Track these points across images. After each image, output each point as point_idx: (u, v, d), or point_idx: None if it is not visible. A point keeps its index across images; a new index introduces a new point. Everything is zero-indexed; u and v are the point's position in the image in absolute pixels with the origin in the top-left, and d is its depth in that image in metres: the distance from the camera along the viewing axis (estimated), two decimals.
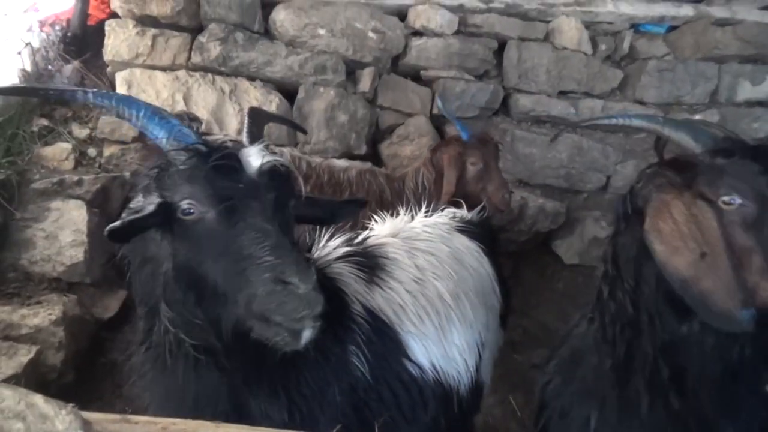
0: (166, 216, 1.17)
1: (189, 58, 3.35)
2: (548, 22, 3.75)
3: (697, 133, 1.34)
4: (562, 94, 3.82)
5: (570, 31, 3.70)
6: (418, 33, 3.63)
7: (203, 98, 3.31)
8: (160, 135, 1.24)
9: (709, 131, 1.35)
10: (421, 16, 3.54)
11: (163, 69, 3.34)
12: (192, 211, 1.16)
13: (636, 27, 3.89)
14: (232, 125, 3.34)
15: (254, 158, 1.21)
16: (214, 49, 3.32)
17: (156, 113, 1.25)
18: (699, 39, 3.76)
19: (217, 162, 1.17)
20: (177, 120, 1.26)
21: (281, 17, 3.43)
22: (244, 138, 1.45)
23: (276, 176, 1.22)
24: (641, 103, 3.83)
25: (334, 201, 1.58)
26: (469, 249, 1.89)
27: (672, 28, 3.90)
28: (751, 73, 3.85)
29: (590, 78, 3.77)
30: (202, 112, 3.27)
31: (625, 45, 3.82)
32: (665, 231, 1.25)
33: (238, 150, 1.22)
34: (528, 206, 3.57)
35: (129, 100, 1.27)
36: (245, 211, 1.16)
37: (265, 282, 1.10)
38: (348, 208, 1.48)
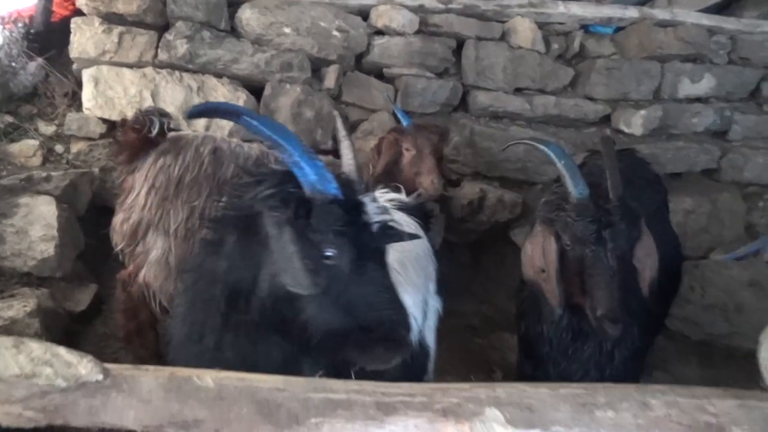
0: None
1: (156, 55, 3.40)
2: (504, 22, 3.94)
3: (576, 182, 1.87)
4: (518, 91, 4.01)
5: (524, 31, 3.90)
6: (380, 32, 3.76)
7: (171, 95, 3.37)
8: (309, 177, 1.37)
9: (583, 184, 1.87)
10: (383, 16, 3.68)
11: (130, 66, 3.39)
12: (331, 257, 1.35)
13: (586, 28, 4.12)
14: (201, 122, 3.40)
15: (375, 214, 1.43)
16: (181, 47, 3.38)
17: (307, 153, 1.39)
18: (643, 39, 4.02)
19: (357, 217, 1.39)
20: (322, 162, 1.40)
21: (247, 16, 3.51)
22: (352, 170, 1.61)
23: (389, 231, 1.46)
24: (591, 99, 4.07)
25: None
26: (408, 224, 2.05)
27: (619, 29, 4.15)
28: (690, 71, 4.13)
29: (544, 76, 3.98)
30: (170, 108, 3.32)
31: (576, 44, 4.04)
32: (528, 249, 2.00)
33: (364, 203, 1.43)
34: (487, 197, 3.75)
35: (287, 136, 1.41)
36: (370, 265, 1.39)
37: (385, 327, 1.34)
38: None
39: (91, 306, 2.96)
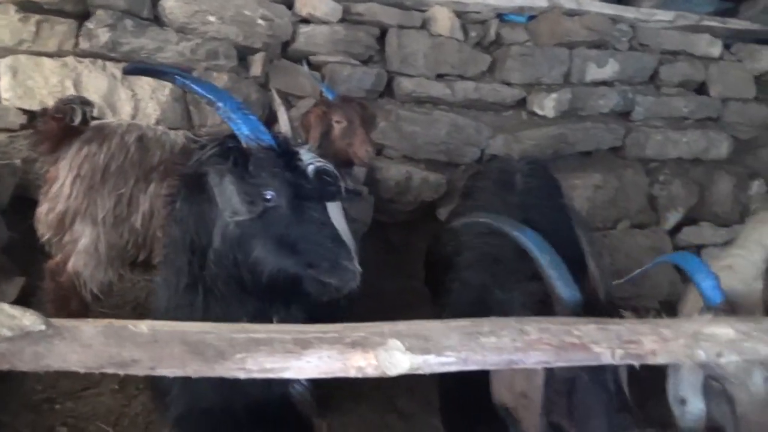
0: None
1: (77, 44, 3.36)
2: (424, 11, 4.13)
3: (566, 283, 1.49)
4: (440, 77, 4.21)
5: (443, 20, 4.10)
6: (305, 20, 3.86)
7: (94, 84, 3.35)
8: (243, 130, 1.54)
9: (573, 285, 1.49)
10: (307, 5, 3.78)
11: (50, 55, 3.34)
12: (270, 198, 1.51)
13: (501, 16, 4.36)
14: (126, 110, 3.41)
15: (310, 160, 1.59)
16: (103, 36, 3.36)
17: (241, 108, 1.56)
18: (553, 27, 4.31)
19: (292, 164, 1.55)
20: (256, 116, 1.57)
21: (170, 4, 3.52)
22: (288, 130, 1.76)
23: (326, 176, 1.62)
24: (508, 83, 4.32)
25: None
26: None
27: (531, 18, 4.42)
28: (596, 57, 4.46)
29: (463, 62, 4.19)
30: (93, 98, 3.29)
31: (492, 32, 4.28)
32: None
33: (299, 151, 1.62)
34: (413, 179, 3.95)
35: (221, 94, 1.59)
36: (310, 206, 1.55)
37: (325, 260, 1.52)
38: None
39: (18, 299, 2.93)
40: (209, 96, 1.58)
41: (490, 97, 4.28)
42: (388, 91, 4.20)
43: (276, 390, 1.73)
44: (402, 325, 1.11)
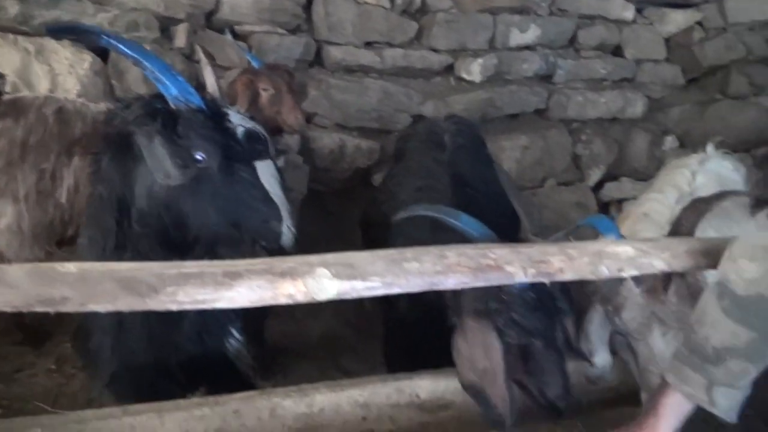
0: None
1: None
2: None
3: None
4: (368, 45, 4.25)
5: None
6: None
7: (6, 59, 3.20)
8: (171, 91, 1.52)
9: None
10: None
11: None
12: (201, 160, 1.51)
13: None
14: (43, 86, 3.27)
15: (239, 122, 1.61)
16: (12, 8, 3.20)
17: (168, 69, 1.53)
18: None
19: (221, 125, 1.56)
20: (183, 78, 1.55)
21: None
22: (215, 90, 1.75)
23: (256, 137, 1.64)
24: (435, 50, 4.41)
25: None
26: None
27: None
28: (519, 22, 4.60)
29: (390, 29, 4.24)
30: (7, 73, 3.16)
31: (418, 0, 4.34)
32: (464, 350, 1.67)
33: (228, 113, 1.63)
34: (347, 147, 3.99)
35: (147, 54, 1.55)
36: (240, 167, 1.57)
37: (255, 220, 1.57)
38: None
39: None
40: (135, 56, 1.55)
41: (419, 64, 4.36)
42: (317, 60, 4.20)
43: (211, 345, 1.76)
44: (329, 256, 1.17)
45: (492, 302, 1.58)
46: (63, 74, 3.33)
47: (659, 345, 1.70)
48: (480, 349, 1.60)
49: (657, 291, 1.72)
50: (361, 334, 3.39)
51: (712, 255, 1.51)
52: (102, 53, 3.47)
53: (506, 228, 1.75)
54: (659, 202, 2.27)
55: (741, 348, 1.26)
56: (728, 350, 1.26)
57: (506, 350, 1.58)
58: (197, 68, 3.79)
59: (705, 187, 2.24)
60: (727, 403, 1.27)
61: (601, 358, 1.84)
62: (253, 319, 2.09)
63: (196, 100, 1.58)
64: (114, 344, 1.63)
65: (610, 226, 1.91)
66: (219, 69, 3.83)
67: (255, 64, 3.21)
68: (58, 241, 2.66)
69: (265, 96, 3.04)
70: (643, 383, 1.74)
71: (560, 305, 1.61)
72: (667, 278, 1.71)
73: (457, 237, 1.63)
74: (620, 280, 1.74)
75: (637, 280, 1.74)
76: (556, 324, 1.63)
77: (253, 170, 1.67)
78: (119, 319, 1.62)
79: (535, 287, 1.55)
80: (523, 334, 1.59)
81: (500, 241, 1.59)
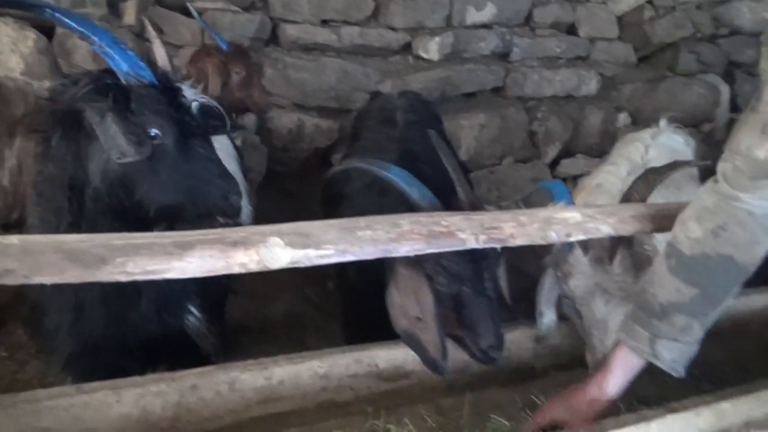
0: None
1: None
2: None
3: None
4: (325, 22, 4.21)
5: None
6: None
7: None
8: (121, 66, 1.47)
9: None
10: None
11: None
12: (156, 136, 1.49)
13: None
14: None
15: (193, 97, 1.59)
16: None
17: (118, 44, 1.47)
18: None
19: (175, 100, 1.53)
20: (133, 52, 1.50)
21: None
22: (166, 64, 1.69)
23: (211, 111, 1.62)
24: (392, 28, 4.40)
25: None
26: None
27: None
28: (475, 0, 4.62)
29: (347, 7, 4.21)
30: None
31: None
32: (396, 298, 1.70)
33: (181, 88, 1.60)
34: (305, 126, 3.97)
35: (95, 28, 1.48)
36: (196, 142, 1.57)
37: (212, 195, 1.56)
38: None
39: None
40: (82, 30, 1.49)
41: (377, 42, 4.34)
42: (273, 38, 4.14)
43: (170, 323, 1.75)
44: (283, 226, 1.17)
45: None
46: (5, 52, 3.20)
47: (601, 310, 1.79)
48: (412, 297, 1.64)
49: (603, 260, 1.80)
50: (324, 313, 3.40)
51: (657, 219, 1.58)
52: (47, 31, 3.34)
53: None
54: (612, 174, 2.35)
55: (685, 304, 1.33)
56: (673, 305, 1.33)
57: (437, 298, 1.62)
58: (147, 47, 3.69)
59: (657, 160, 2.32)
60: (670, 356, 1.34)
61: (548, 318, 1.92)
62: (213, 297, 2.08)
63: (147, 75, 1.54)
64: (71, 324, 1.59)
65: (563, 191, 1.97)
66: (171, 47, 3.73)
67: (222, 45, 3.15)
68: (3, 224, 2.58)
69: (236, 78, 3.04)
70: (588, 345, 1.82)
71: (486, 250, 1.57)
72: (613, 248, 1.78)
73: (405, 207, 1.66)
74: (570, 248, 1.81)
75: (585, 248, 1.80)
76: (483, 269, 1.66)
77: (210, 145, 1.65)
78: (76, 298, 1.59)
79: None
80: (452, 280, 1.62)
81: (444, 208, 1.61)
